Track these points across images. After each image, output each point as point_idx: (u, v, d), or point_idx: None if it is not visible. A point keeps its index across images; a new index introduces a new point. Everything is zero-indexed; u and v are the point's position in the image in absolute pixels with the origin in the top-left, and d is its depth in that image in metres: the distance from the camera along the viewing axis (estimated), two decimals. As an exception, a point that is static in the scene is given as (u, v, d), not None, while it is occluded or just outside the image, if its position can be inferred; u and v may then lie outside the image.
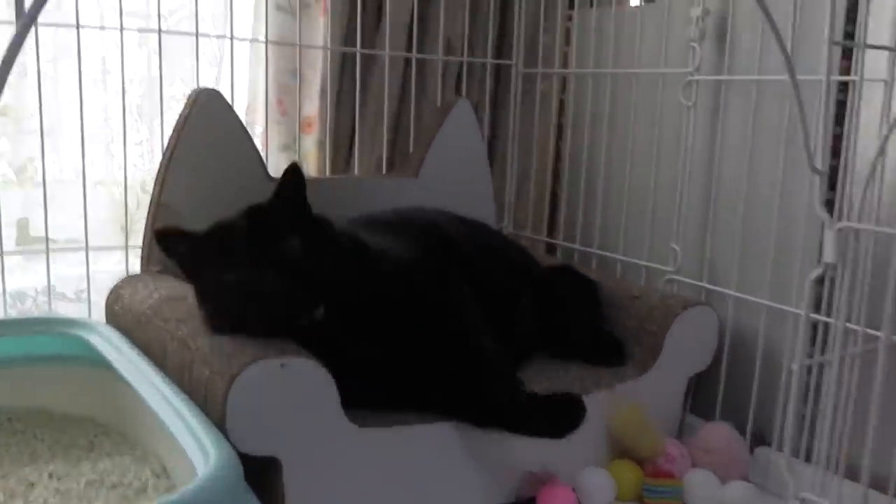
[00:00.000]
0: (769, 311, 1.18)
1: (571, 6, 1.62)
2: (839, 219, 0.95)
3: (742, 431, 1.19)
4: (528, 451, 1.04)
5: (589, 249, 1.50)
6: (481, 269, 1.16)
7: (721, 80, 1.27)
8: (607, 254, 1.46)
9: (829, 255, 0.77)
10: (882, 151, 0.77)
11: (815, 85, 0.92)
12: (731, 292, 1.24)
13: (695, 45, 1.28)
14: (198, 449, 0.76)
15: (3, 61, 0.43)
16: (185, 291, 1.05)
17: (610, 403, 1.12)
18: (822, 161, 0.78)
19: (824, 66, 0.79)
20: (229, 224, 0.93)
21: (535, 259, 1.33)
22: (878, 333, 0.80)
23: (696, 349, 1.22)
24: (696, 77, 1.29)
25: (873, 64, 0.99)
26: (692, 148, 1.31)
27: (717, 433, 1.16)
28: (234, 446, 0.78)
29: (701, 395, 1.28)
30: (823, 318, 1.03)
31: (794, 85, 0.76)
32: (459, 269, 1.08)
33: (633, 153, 1.40)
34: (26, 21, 0.43)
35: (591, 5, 1.54)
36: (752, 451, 1.18)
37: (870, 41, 0.95)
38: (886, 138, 0.75)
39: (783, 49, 0.75)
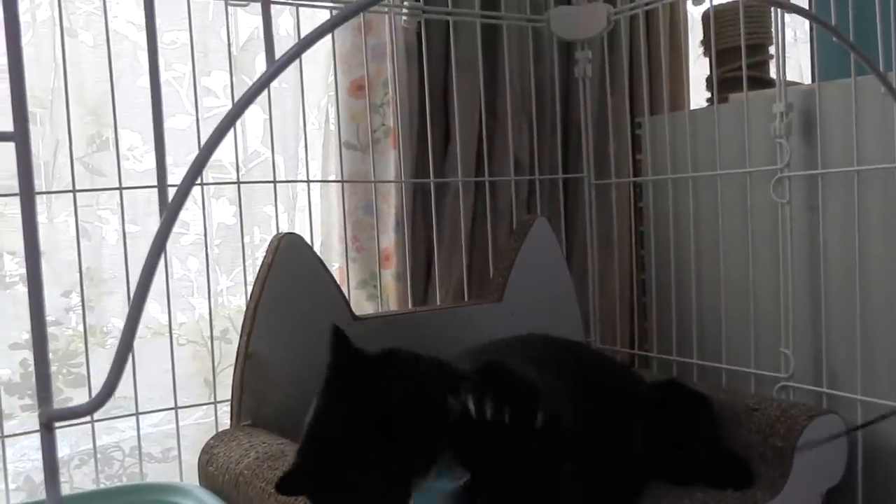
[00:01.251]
0: (905, 414, 1.09)
1: (634, 114, 1.61)
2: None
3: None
4: None
5: (688, 360, 1.41)
6: (590, 396, 1.09)
7: (815, 175, 1.22)
8: (709, 363, 1.38)
9: None
10: None
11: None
12: (858, 396, 1.14)
13: (781, 140, 1.23)
14: None
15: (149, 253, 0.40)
16: (282, 448, 1.01)
17: (746, 533, 1.02)
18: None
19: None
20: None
21: (639, 376, 1.26)
22: None
23: (827, 462, 1.12)
24: (788, 173, 1.23)
25: None
26: (791, 245, 1.24)
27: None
28: None
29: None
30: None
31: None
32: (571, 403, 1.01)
33: (725, 255, 1.35)
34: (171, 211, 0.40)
35: (653, 112, 1.52)
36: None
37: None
38: None
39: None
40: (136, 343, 1.28)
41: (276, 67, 0.38)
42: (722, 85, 1.41)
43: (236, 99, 1.31)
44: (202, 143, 1.18)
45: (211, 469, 1.06)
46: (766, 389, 1.27)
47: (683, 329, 1.43)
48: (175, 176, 1.31)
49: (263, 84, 0.38)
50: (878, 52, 1.07)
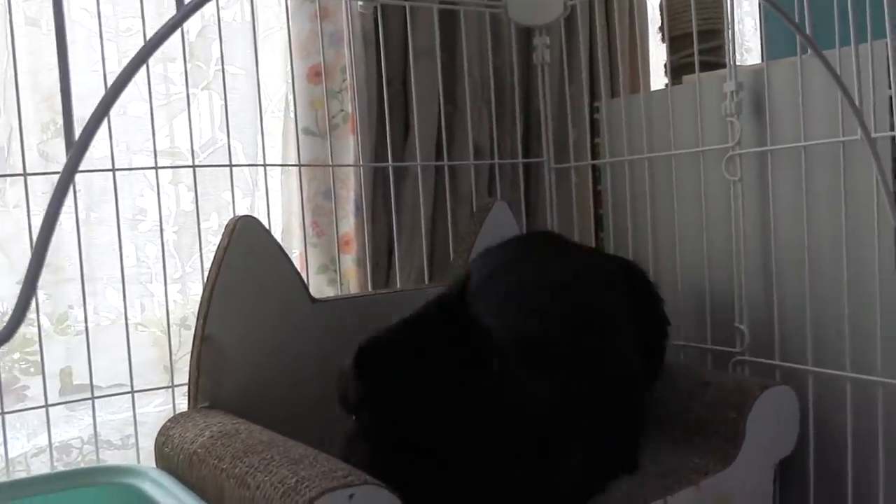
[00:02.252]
0: (853, 382, 1.11)
1: (593, 98, 1.62)
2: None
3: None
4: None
5: (647, 339, 1.43)
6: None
7: (765, 152, 1.24)
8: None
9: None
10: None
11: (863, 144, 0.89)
12: (810, 367, 1.16)
13: (732, 119, 1.25)
14: None
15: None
16: (237, 427, 1.01)
17: (696, 501, 1.03)
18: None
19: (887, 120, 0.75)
20: None
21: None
22: None
23: (779, 434, 1.14)
24: (739, 151, 1.25)
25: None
26: (743, 222, 1.26)
27: (820, 524, 1.06)
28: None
29: (790, 487, 1.20)
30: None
31: (869, 138, 0.73)
32: None
33: (680, 234, 1.36)
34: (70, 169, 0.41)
35: (612, 95, 1.54)
36: (859, 541, 1.09)
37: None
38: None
39: (853, 105, 0.72)
40: (96, 331, 1.29)
41: (183, 13, 0.38)
42: (681, 70, 1.43)
43: (191, 85, 1.31)
44: (156, 128, 1.18)
45: (167, 450, 1.06)
46: (722, 365, 1.29)
47: (642, 308, 1.44)
48: (131, 160, 1.32)
49: (170, 29, 0.39)
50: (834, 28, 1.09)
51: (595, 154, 1.58)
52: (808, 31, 1.07)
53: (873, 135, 1.02)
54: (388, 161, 1.41)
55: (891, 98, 1.07)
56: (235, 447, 0.93)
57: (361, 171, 1.40)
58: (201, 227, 1.25)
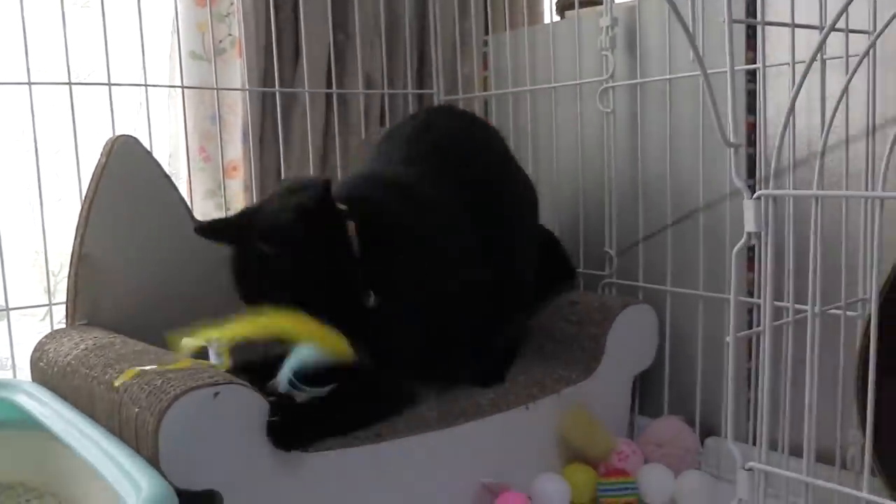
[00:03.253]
0: (706, 301, 1.19)
1: (487, 31, 1.65)
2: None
3: (692, 425, 1.19)
4: (477, 462, 1.02)
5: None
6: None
7: (636, 85, 1.30)
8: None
9: (749, 225, 0.78)
10: (787, 123, 0.79)
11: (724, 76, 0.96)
12: (667, 287, 1.25)
13: (607, 53, 1.31)
14: (130, 487, 0.72)
15: None
16: (112, 340, 1.02)
17: (557, 408, 1.11)
18: (735, 135, 0.79)
19: (727, 46, 0.81)
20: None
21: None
22: (788, 305, 0.81)
23: (638, 348, 1.23)
24: (612, 84, 1.31)
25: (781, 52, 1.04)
26: (615, 153, 1.33)
27: (667, 426, 1.16)
28: (170, 482, 0.75)
29: (649, 395, 1.29)
30: (752, 300, 1.05)
31: (700, 62, 0.78)
32: None
33: (559, 165, 1.42)
34: None
35: (507, 28, 1.57)
36: (702, 443, 1.18)
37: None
38: (791, 108, 0.78)
39: (686, 29, 0.77)
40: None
41: None
42: (568, 5, 1.47)
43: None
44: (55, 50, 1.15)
45: (41, 365, 1.07)
46: (593, 287, 1.36)
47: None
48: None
49: None
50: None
51: (485, 87, 1.62)
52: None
53: (737, 67, 1.08)
54: (275, 87, 1.42)
55: (746, 33, 1.14)
56: (108, 357, 0.95)
57: (248, 96, 1.40)
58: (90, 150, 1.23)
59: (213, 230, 1.02)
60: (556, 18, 1.58)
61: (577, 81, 1.37)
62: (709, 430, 1.19)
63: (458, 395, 1.11)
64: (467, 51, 1.62)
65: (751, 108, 1.17)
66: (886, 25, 0.70)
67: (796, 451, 0.84)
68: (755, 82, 1.16)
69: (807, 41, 0.91)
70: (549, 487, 1.06)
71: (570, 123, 1.40)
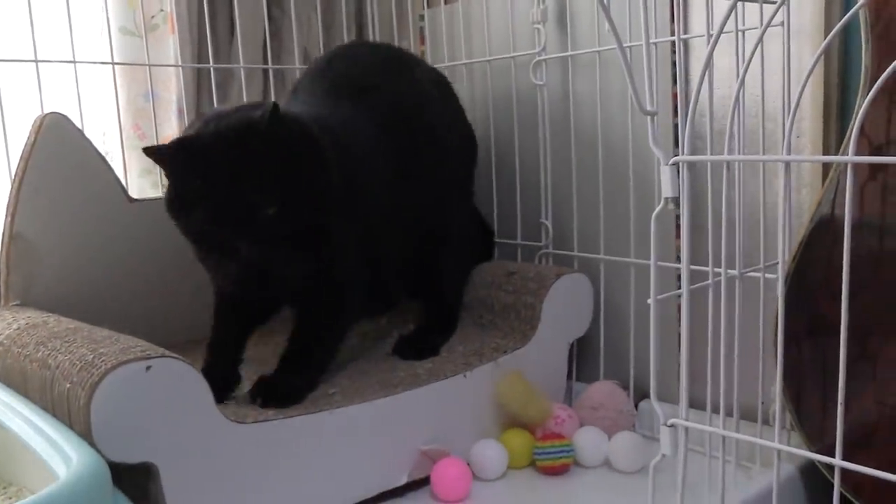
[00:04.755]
0: (636, 268, 1.23)
1: (425, 6, 1.66)
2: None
3: (627, 389, 1.23)
4: (416, 430, 1.04)
5: (466, 238, 1.52)
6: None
7: (567, 57, 1.32)
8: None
9: (666, 190, 0.81)
10: (699, 92, 0.82)
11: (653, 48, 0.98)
12: (601, 256, 1.28)
13: (538, 26, 1.32)
14: (61, 460, 0.73)
15: None
16: (46, 319, 1.02)
17: (494, 376, 1.13)
18: (652, 103, 0.82)
19: (642, 17, 0.83)
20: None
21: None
22: (708, 269, 0.85)
23: (574, 315, 1.26)
24: (544, 56, 1.33)
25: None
26: (548, 125, 1.35)
27: (601, 390, 1.19)
28: (104, 456, 0.75)
29: (586, 361, 1.32)
30: (671, 265, 1.08)
31: (616, 34, 0.80)
32: None
33: (496, 138, 1.44)
34: None
35: (447, 1, 1.58)
36: (637, 407, 1.22)
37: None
38: (704, 73, 0.80)
39: (600, 2, 0.79)
40: None
41: None
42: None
43: None
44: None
45: (-26, 345, 1.06)
46: (530, 258, 1.39)
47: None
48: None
49: None
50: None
51: (422, 62, 1.63)
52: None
53: (652, 40, 1.11)
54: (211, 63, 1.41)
55: (672, 5, 1.16)
56: (40, 335, 0.94)
57: (181, 72, 1.39)
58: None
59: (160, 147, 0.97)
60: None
61: (511, 55, 1.38)
62: (643, 393, 1.23)
63: (396, 365, 1.13)
64: (404, 25, 1.62)
65: (676, 79, 1.20)
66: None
67: (729, 411, 0.88)
68: (685, 53, 1.18)
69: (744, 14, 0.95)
70: (487, 452, 1.08)
71: (505, 96, 1.41)
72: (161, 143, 1.40)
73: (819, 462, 0.94)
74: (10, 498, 0.88)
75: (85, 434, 0.78)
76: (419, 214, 1.16)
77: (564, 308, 1.23)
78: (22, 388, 0.91)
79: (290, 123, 0.95)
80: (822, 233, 0.95)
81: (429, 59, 1.57)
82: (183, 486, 0.85)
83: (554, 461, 1.08)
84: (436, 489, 1.02)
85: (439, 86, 1.29)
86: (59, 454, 0.73)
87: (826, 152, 1.07)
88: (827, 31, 1.04)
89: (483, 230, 1.42)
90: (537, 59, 1.33)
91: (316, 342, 1.06)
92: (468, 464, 1.06)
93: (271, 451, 0.92)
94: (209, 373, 0.91)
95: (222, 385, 1.00)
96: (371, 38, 1.61)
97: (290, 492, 0.94)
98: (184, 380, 0.84)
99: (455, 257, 1.26)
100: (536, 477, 1.10)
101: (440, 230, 1.22)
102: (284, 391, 0.99)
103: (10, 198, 1.13)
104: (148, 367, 0.82)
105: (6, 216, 1.13)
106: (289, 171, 0.92)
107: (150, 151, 0.96)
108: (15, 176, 1.14)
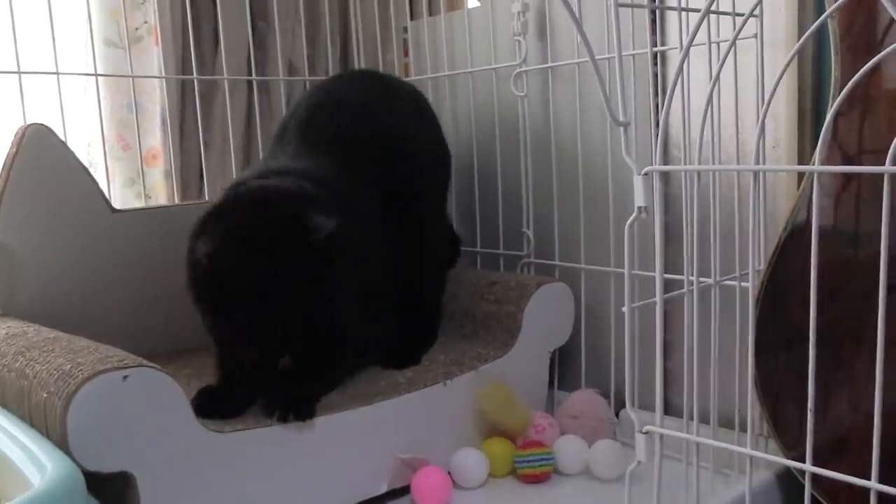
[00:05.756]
0: (616, 277, 1.24)
1: (409, 18, 1.67)
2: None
3: (608, 398, 1.23)
4: (397, 438, 1.05)
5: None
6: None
7: (547, 69, 1.33)
8: (466, 248, 1.49)
9: (639, 199, 0.82)
10: (669, 104, 0.83)
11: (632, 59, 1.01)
12: (581, 265, 1.29)
13: (519, 38, 1.34)
14: (36, 470, 0.73)
15: None
16: (26, 329, 1.02)
17: (475, 384, 1.14)
18: (624, 114, 0.83)
19: (613, 29, 0.84)
20: None
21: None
22: (683, 278, 0.86)
23: (555, 324, 1.26)
24: (525, 68, 1.35)
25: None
26: (529, 136, 1.36)
27: (582, 399, 1.20)
28: (80, 465, 0.75)
29: (567, 370, 1.33)
30: (647, 273, 1.09)
31: (587, 46, 0.81)
32: None
33: (478, 149, 1.45)
34: None
35: (430, 14, 1.59)
36: (617, 415, 1.23)
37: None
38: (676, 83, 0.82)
39: (572, 14, 0.80)
40: None
41: None
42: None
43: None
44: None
45: (-47, 356, 1.06)
46: (512, 267, 1.40)
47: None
48: None
49: None
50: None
51: (407, 73, 1.64)
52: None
53: (625, 52, 1.12)
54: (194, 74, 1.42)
55: (653, 14, 1.18)
56: (19, 345, 0.94)
57: (165, 83, 1.40)
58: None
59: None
60: (477, 4, 1.60)
61: (493, 66, 1.39)
62: (624, 401, 1.23)
63: (377, 375, 1.13)
64: (388, 37, 1.64)
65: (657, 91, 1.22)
66: (753, 10, 0.74)
67: (706, 418, 0.89)
68: (663, 65, 1.20)
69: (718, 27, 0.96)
70: (467, 461, 1.09)
71: (487, 107, 1.42)
72: (145, 156, 1.41)
73: (794, 468, 0.95)
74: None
75: (61, 443, 0.78)
76: (402, 239, 1.18)
77: (545, 317, 1.24)
78: (0, 397, 0.91)
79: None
80: (796, 241, 0.96)
81: (412, 71, 1.59)
82: (160, 495, 0.85)
83: (534, 469, 1.09)
84: (416, 497, 1.03)
85: (419, 113, 1.31)
86: (34, 463, 0.73)
87: (801, 162, 1.08)
88: (801, 42, 1.05)
89: (452, 238, 1.43)
90: (518, 70, 1.35)
91: (323, 365, 1.07)
92: (448, 472, 1.07)
93: (249, 461, 0.92)
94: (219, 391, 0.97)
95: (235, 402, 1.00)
96: (355, 49, 1.62)
97: (269, 500, 0.94)
98: (161, 389, 0.85)
99: (433, 269, 1.28)
100: (517, 485, 1.10)
101: (419, 246, 1.23)
102: (302, 403, 0.99)
103: (-8, 209, 1.14)
104: (125, 377, 0.82)
105: (-12, 227, 1.13)
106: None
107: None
108: (-3, 187, 1.14)
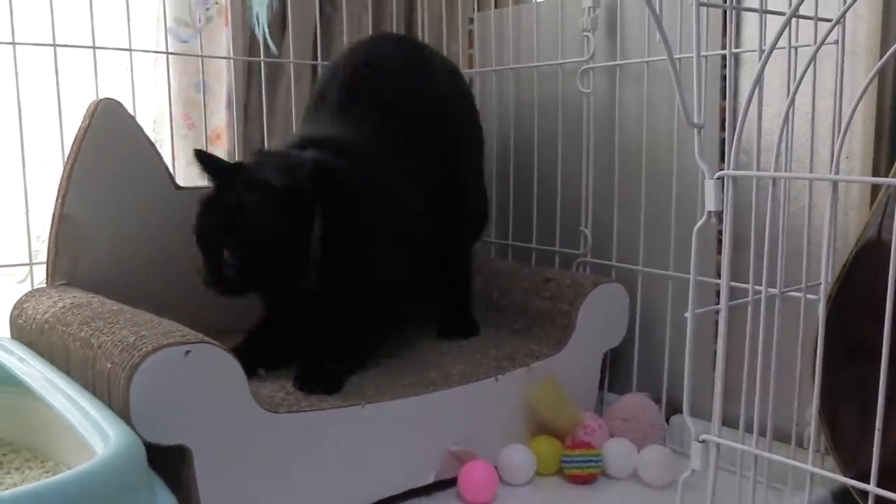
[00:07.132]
0: (675, 281, 1.22)
1: (475, 9, 1.66)
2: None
3: (659, 403, 1.22)
4: (446, 430, 1.05)
5: (504, 242, 1.52)
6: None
7: (615, 66, 1.32)
8: (521, 244, 1.48)
9: (710, 204, 0.81)
10: (748, 108, 0.81)
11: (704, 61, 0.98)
12: (639, 267, 1.27)
13: (588, 34, 1.32)
14: (99, 438, 0.74)
15: None
16: (90, 300, 1.04)
17: (526, 381, 1.13)
18: (699, 116, 0.81)
19: (694, 30, 0.83)
20: None
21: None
22: (748, 286, 0.84)
23: (609, 325, 1.25)
24: (592, 65, 1.33)
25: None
26: (592, 133, 1.35)
27: (633, 402, 1.18)
28: (140, 436, 0.77)
29: (619, 373, 1.31)
30: (711, 280, 1.07)
31: (667, 45, 0.80)
32: None
33: (540, 144, 1.44)
34: None
35: (496, 6, 1.58)
36: (668, 421, 1.21)
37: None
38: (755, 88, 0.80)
39: (653, 12, 0.79)
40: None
41: None
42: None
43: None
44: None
45: (20, 322, 1.09)
46: (568, 266, 1.39)
47: (501, 213, 1.53)
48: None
49: None
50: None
51: (470, 65, 1.64)
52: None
53: (703, 53, 1.10)
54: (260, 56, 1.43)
55: (724, 18, 1.15)
56: (84, 315, 0.97)
57: (233, 64, 1.41)
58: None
59: (210, 159, 1.07)
60: (543, -1, 1.59)
61: (559, 61, 1.38)
62: (675, 408, 1.22)
63: (429, 365, 1.13)
64: (453, 28, 1.63)
65: (726, 93, 1.19)
66: (841, 16, 0.72)
67: (764, 431, 0.87)
68: (736, 67, 1.17)
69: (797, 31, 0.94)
70: (515, 457, 1.08)
71: (551, 102, 1.41)
72: (210, 135, 1.43)
73: (852, 488, 0.93)
74: (48, 472, 0.91)
75: (123, 413, 0.80)
76: (442, 207, 1.22)
77: (600, 317, 1.23)
78: (64, 365, 0.93)
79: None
80: (868, 256, 0.94)
81: (477, 63, 1.58)
82: (215, 470, 0.86)
83: (582, 470, 1.08)
84: (462, 490, 1.03)
85: (452, 75, 1.33)
86: (97, 431, 0.75)
87: (875, 174, 1.05)
88: (883, 51, 1.03)
89: (483, 211, 1.45)
90: (585, 66, 1.33)
91: (355, 335, 1.10)
92: (496, 467, 1.06)
93: (302, 442, 0.93)
94: (243, 348, 1.02)
95: (253, 359, 1.03)
96: (420, 37, 1.62)
97: (318, 483, 0.95)
98: (221, 366, 0.86)
99: (466, 238, 1.35)
100: (563, 485, 1.10)
101: (459, 214, 1.29)
102: (328, 378, 1.02)
103: (61, 180, 1.16)
104: (187, 352, 0.83)
105: (57, 198, 1.16)
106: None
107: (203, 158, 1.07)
108: (67, 159, 1.17)
